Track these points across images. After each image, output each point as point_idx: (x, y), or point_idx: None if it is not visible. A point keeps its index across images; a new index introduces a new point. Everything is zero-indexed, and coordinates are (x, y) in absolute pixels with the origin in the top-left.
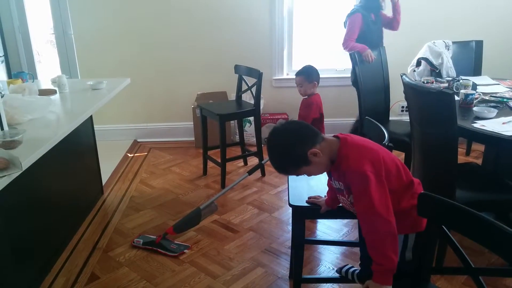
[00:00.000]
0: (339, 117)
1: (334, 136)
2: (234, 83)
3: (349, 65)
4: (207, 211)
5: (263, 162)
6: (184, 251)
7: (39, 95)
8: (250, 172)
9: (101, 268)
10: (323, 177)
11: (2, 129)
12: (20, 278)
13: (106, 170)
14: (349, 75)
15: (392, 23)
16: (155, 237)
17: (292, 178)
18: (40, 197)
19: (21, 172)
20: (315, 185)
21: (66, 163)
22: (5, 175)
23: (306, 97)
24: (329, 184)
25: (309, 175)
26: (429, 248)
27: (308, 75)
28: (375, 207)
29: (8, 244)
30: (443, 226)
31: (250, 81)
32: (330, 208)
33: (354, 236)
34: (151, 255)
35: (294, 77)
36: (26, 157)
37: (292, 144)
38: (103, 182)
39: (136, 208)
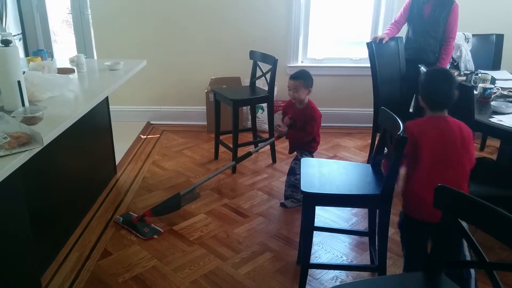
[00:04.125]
0: (354, 107)
1: None
2: (248, 68)
3: (365, 54)
4: (188, 198)
5: (252, 151)
6: (154, 236)
7: (58, 73)
8: (237, 161)
9: (113, 245)
10: (335, 165)
11: (24, 105)
12: (38, 250)
13: (120, 150)
14: (364, 64)
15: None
16: (136, 215)
17: (304, 165)
18: (56, 173)
19: (42, 147)
20: (326, 173)
21: (82, 142)
22: (27, 150)
23: (301, 106)
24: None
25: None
26: (443, 241)
27: (306, 79)
28: None
29: (28, 217)
30: (459, 219)
31: (265, 67)
32: None
33: (363, 226)
34: (162, 235)
35: (308, 64)
36: (47, 133)
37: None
38: (117, 162)
39: (148, 188)
